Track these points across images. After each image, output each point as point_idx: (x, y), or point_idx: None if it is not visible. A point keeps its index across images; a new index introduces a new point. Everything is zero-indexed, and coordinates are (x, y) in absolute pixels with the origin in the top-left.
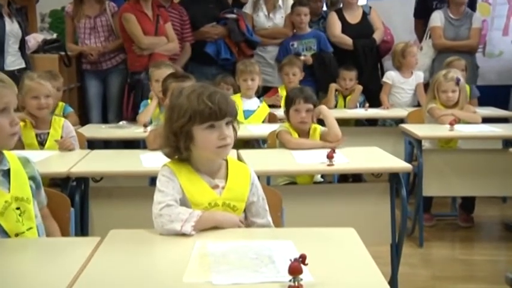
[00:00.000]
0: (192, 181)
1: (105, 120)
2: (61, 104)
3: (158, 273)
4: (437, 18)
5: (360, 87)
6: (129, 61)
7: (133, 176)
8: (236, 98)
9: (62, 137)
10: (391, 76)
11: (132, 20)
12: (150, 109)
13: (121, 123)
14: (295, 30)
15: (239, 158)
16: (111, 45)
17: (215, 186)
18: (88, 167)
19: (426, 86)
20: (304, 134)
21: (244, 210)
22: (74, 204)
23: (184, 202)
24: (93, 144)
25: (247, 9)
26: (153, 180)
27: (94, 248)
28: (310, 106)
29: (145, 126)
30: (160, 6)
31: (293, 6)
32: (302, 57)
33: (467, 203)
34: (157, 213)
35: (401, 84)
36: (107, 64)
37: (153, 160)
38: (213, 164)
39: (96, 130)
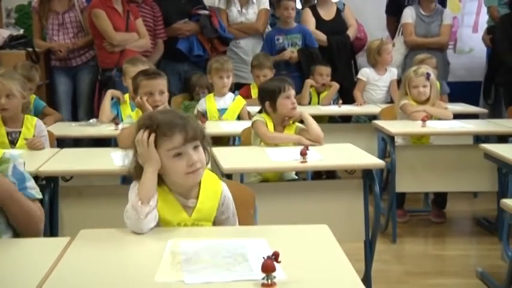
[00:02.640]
0: (165, 200)
1: (75, 118)
2: (32, 97)
3: (130, 273)
4: (408, 15)
5: (336, 85)
6: (99, 58)
7: (104, 175)
8: (209, 98)
9: (34, 136)
10: (365, 73)
11: (102, 16)
12: (105, 107)
13: (91, 121)
14: (280, 25)
15: (212, 157)
16: (81, 41)
17: (186, 207)
18: (57, 166)
19: (399, 82)
20: (280, 127)
21: (214, 224)
22: (43, 204)
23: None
24: (62, 142)
25: (221, 4)
26: (124, 178)
27: (64, 248)
28: (295, 92)
29: (116, 124)
30: (132, 2)
31: (279, 0)
32: (288, 54)
33: (440, 199)
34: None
35: (376, 82)
36: (77, 61)
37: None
38: (186, 186)
39: (66, 128)
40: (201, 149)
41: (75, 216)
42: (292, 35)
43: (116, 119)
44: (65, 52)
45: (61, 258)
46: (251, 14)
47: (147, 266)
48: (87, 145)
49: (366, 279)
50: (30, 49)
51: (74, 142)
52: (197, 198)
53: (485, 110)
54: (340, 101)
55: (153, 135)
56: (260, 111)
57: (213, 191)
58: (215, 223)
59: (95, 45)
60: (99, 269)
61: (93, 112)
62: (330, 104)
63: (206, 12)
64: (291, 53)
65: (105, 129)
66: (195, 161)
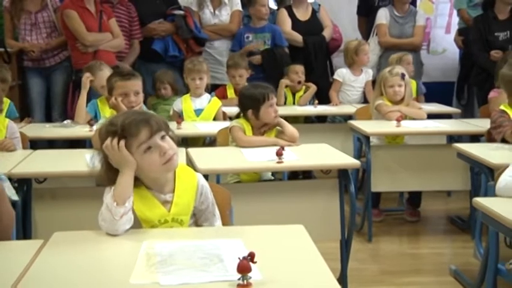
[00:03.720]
0: (143, 198)
1: (49, 119)
2: (7, 101)
3: (104, 275)
4: (382, 16)
5: (314, 87)
6: (73, 59)
7: (78, 177)
8: (185, 98)
9: (5, 138)
10: (342, 74)
11: (73, 17)
12: (81, 108)
13: (65, 122)
14: (252, 23)
15: (188, 157)
16: (54, 41)
17: (165, 202)
18: (31, 168)
19: (373, 82)
20: (259, 131)
21: (194, 215)
22: (15, 206)
23: (134, 219)
24: (36, 144)
25: (193, 6)
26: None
27: (37, 251)
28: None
29: (91, 125)
30: (107, 2)
31: None
32: (252, 47)
33: (414, 198)
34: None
35: (352, 82)
36: (50, 61)
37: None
38: (161, 180)
39: (39, 129)
40: (168, 137)
41: (49, 218)
42: (261, 34)
43: (91, 120)
44: (38, 52)
45: (34, 261)
46: (224, 15)
47: (121, 268)
48: (62, 147)
49: (342, 278)
50: (1, 49)
51: (48, 144)
52: (173, 192)
53: (458, 110)
54: (316, 101)
55: (123, 141)
56: (237, 116)
57: (189, 183)
58: (196, 215)
59: (68, 45)
60: (72, 271)
61: (67, 113)
62: (306, 104)
63: (181, 12)
64: (254, 46)
65: (80, 130)
66: (166, 149)
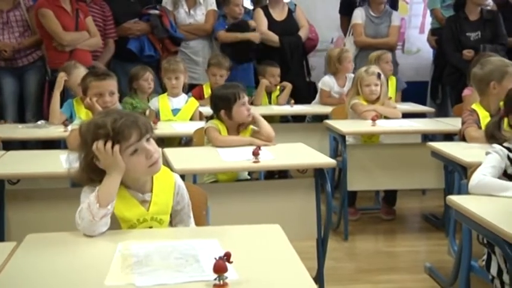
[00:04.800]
0: (121, 198)
1: (22, 119)
2: None
3: (78, 277)
4: (358, 16)
5: (290, 86)
6: (48, 58)
7: (53, 177)
8: (163, 98)
9: None
10: (328, 83)
11: (49, 16)
12: (54, 108)
13: (39, 122)
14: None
15: (164, 157)
16: (27, 41)
17: (143, 201)
18: (3, 169)
19: None
20: (234, 131)
21: (170, 215)
22: None
23: (112, 219)
24: (9, 145)
25: (168, 5)
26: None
27: (10, 253)
28: (248, 98)
29: (65, 125)
30: (80, 0)
31: None
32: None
33: (390, 197)
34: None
35: (336, 94)
36: (23, 61)
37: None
38: (141, 180)
39: (12, 130)
40: (152, 139)
41: (23, 220)
42: None
43: (66, 121)
44: (10, 52)
45: (6, 263)
46: (199, 15)
47: (96, 269)
48: (35, 148)
49: (319, 277)
50: None
51: (22, 145)
52: (152, 191)
53: (432, 109)
54: (292, 101)
55: (117, 146)
56: (211, 117)
57: (166, 182)
58: (171, 215)
59: (44, 45)
60: (46, 274)
61: (42, 114)
62: (284, 104)
63: (156, 12)
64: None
65: (54, 131)
66: (152, 153)
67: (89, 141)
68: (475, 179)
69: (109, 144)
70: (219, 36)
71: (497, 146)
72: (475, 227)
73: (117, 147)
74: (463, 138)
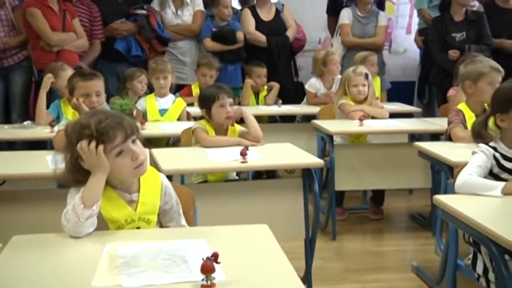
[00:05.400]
0: (109, 199)
1: (8, 120)
2: None
3: (65, 278)
4: (345, 16)
5: (277, 86)
6: (35, 58)
7: (39, 178)
8: (150, 98)
9: None
10: (314, 85)
11: (37, 15)
12: (41, 108)
13: (26, 123)
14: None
15: (152, 158)
16: (13, 41)
17: (131, 202)
18: None
19: None
20: (222, 131)
21: (159, 215)
22: None
23: (99, 220)
24: None
25: (155, 6)
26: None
27: None
28: (232, 100)
29: (51, 126)
30: (67, 1)
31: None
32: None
33: (377, 196)
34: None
35: (322, 96)
36: (9, 61)
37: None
38: (127, 181)
39: None
40: (138, 141)
41: (9, 221)
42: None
43: (52, 121)
44: None
45: None
46: (186, 15)
47: (83, 271)
48: (22, 148)
49: (307, 277)
50: None
51: (8, 145)
52: (139, 191)
53: (419, 109)
54: (280, 101)
55: (101, 146)
56: (201, 118)
57: (153, 182)
58: (160, 214)
59: (30, 45)
60: (32, 275)
61: (28, 114)
62: (272, 104)
63: (144, 12)
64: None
65: (40, 131)
66: (138, 155)
67: (74, 141)
68: (461, 178)
69: (93, 144)
70: (204, 43)
71: (483, 146)
72: (461, 226)
73: (101, 147)
74: (449, 138)
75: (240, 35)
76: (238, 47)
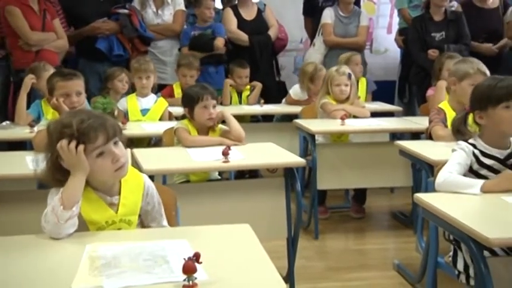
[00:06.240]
0: (89, 200)
1: None
2: None
3: (45, 281)
4: (327, 16)
5: (260, 85)
6: (13, 57)
7: (19, 179)
8: (131, 98)
9: None
10: (298, 95)
11: (16, 14)
12: (20, 108)
13: (4, 123)
14: (198, 23)
15: (133, 158)
16: None
17: (111, 204)
18: None
19: None
20: (204, 131)
21: (140, 216)
22: None
23: (79, 221)
24: None
25: (135, 5)
26: (41, 183)
27: None
28: (215, 102)
29: (31, 126)
30: (47, 0)
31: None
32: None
33: (359, 195)
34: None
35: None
36: None
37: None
38: (108, 183)
39: None
40: (120, 143)
41: None
42: (206, 30)
43: (32, 122)
44: None
45: None
46: (167, 15)
47: (63, 272)
48: (1, 149)
49: (289, 276)
50: None
51: None
52: (120, 194)
53: (400, 108)
54: (262, 101)
55: (82, 146)
56: (183, 117)
57: (135, 183)
58: (142, 215)
59: (8, 44)
60: (11, 278)
61: (6, 114)
62: (255, 103)
63: (126, 11)
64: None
65: (20, 132)
66: (119, 157)
67: (55, 140)
68: (441, 177)
69: (73, 143)
70: (182, 51)
71: (462, 143)
72: (442, 224)
73: (81, 147)
74: (430, 137)
75: (218, 43)
76: (217, 53)
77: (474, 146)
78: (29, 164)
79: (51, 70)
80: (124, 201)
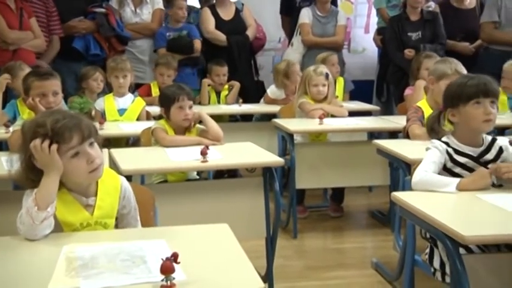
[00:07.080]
0: (64, 201)
1: None
2: None
3: (20, 283)
4: (305, 16)
5: (238, 85)
6: None
7: None
8: (108, 98)
9: None
10: (275, 94)
11: None
12: None
13: None
14: (171, 24)
15: (111, 158)
16: None
17: (87, 206)
18: None
19: None
20: (181, 131)
21: (116, 219)
22: None
23: (54, 222)
24: None
25: (113, 4)
26: (16, 184)
27: None
28: (192, 102)
29: (7, 126)
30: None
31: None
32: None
33: (337, 194)
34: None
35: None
36: None
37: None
38: (83, 184)
39: None
40: (96, 144)
41: None
42: (180, 31)
43: (8, 122)
44: None
45: None
46: (145, 14)
47: (40, 274)
48: None
49: (268, 275)
50: None
51: None
52: (96, 195)
53: (377, 108)
54: (241, 100)
55: (55, 145)
56: (160, 117)
57: (112, 186)
58: (117, 219)
59: None
60: None
61: None
62: (233, 103)
63: (102, 10)
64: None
65: None
66: (94, 158)
67: (29, 139)
68: (417, 175)
69: (46, 143)
70: (158, 53)
71: (436, 141)
72: (418, 223)
73: (54, 146)
74: (407, 136)
75: (197, 45)
76: (194, 56)
77: (447, 144)
78: (4, 164)
79: (28, 69)
80: (100, 203)
